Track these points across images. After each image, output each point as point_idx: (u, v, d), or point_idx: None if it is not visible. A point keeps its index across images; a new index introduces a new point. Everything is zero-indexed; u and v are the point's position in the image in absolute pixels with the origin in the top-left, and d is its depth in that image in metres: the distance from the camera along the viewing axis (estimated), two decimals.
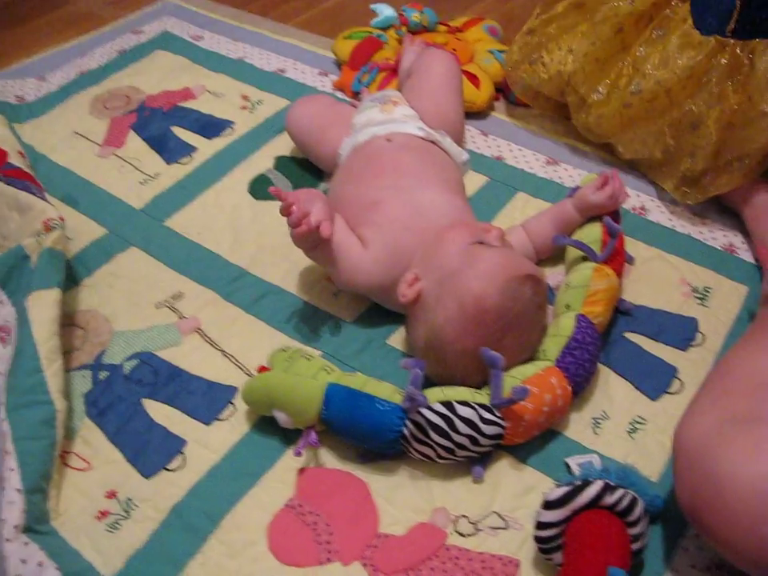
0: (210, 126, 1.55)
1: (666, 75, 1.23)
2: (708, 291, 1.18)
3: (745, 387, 0.83)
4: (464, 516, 0.92)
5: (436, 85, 1.37)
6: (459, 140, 1.37)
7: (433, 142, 1.26)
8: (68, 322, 1.15)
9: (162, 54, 1.80)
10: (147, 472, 0.97)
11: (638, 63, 1.27)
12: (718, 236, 1.27)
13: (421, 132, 1.25)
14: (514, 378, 0.95)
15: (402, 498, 0.94)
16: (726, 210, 1.31)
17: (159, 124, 1.57)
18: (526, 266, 0.99)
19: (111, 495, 0.95)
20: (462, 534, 0.90)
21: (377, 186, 1.14)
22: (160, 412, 1.04)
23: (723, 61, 1.18)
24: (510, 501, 0.93)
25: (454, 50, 1.61)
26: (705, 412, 0.82)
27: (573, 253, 1.13)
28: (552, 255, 1.21)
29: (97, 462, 0.99)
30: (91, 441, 1.01)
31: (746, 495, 0.70)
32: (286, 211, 1.02)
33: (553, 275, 1.19)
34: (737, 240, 1.26)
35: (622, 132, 1.33)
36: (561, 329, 1.01)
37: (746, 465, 0.71)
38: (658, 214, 1.32)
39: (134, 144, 1.53)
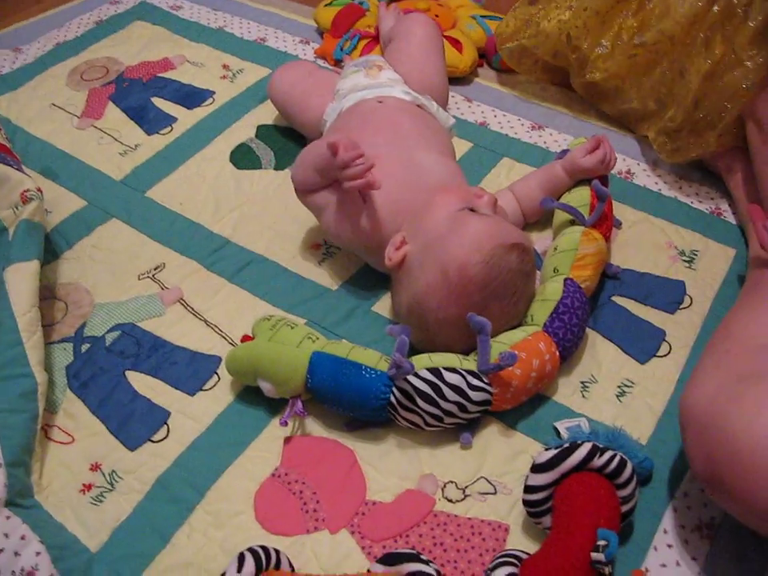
0: (191, 96, 1.53)
1: (668, 24, 1.21)
2: (695, 254, 1.17)
3: (746, 349, 0.82)
4: (452, 482, 0.91)
5: (417, 48, 1.35)
6: (444, 104, 1.35)
7: (419, 106, 1.24)
8: (48, 295, 1.14)
9: (141, 24, 1.78)
10: (131, 444, 0.96)
11: (639, 14, 1.26)
12: (704, 199, 1.27)
13: (407, 96, 1.23)
14: (502, 343, 0.94)
15: (389, 465, 0.93)
16: (711, 174, 1.30)
17: (139, 95, 1.54)
18: (513, 234, 0.98)
19: (95, 468, 0.94)
20: (450, 500, 0.90)
21: (374, 143, 1.10)
22: (143, 383, 1.03)
23: (716, 8, 1.16)
24: (498, 466, 0.93)
25: (437, 15, 1.59)
26: (709, 375, 0.82)
27: (561, 216, 1.12)
28: (540, 219, 1.21)
29: (80, 434, 0.98)
30: (74, 413, 1.00)
31: (762, 445, 0.69)
32: (351, 162, 0.99)
33: (540, 240, 1.19)
34: (723, 203, 1.26)
35: (625, 84, 1.32)
36: (549, 293, 1.00)
37: (758, 416, 0.71)
38: (644, 177, 1.31)
39: (114, 115, 1.50)
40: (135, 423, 0.98)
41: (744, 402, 0.73)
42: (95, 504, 0.90)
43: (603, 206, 1.07)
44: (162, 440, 0.96)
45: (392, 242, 1.01)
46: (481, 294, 0.93)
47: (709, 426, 0.75)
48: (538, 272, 1.05)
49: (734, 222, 1.23)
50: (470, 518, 0.88)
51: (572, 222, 1.08)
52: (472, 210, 1.00)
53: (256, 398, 0.99)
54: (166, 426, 0.98)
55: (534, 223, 1.21)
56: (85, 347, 1.07)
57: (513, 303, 0.96)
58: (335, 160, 1.00)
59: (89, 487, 0.92)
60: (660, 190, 1.29)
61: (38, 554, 0.81)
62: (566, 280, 1.00)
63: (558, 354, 0.96)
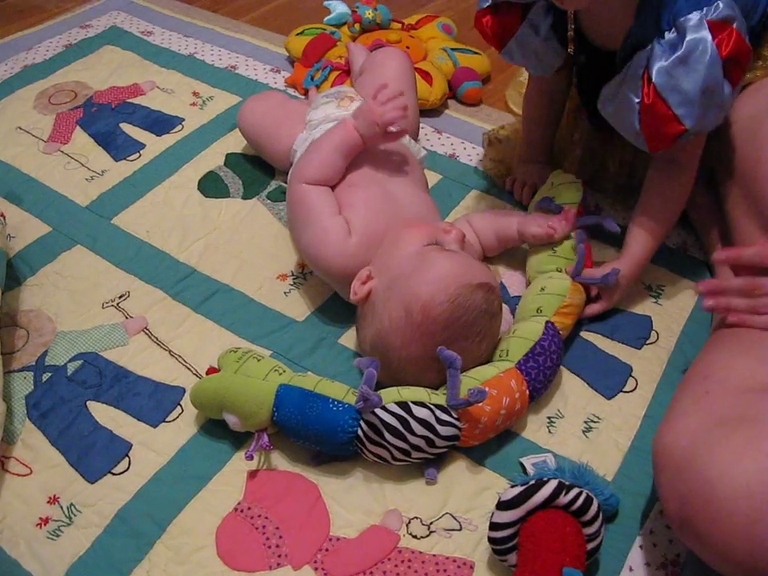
0: (160, 123, 1.53)
1: None
2: (661, 289, 1.18)
3: (727, 389, 0.81)
4: (417, 518, 0.90)
5: (390, 80, 1.35)
6: (415, 136, 1.36)
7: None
8: (9, 322, 1.12)
9: (111, 48, 1.77)
10: (91, 476, 0.94)
11: None
12: (670, 234, 1.27)
13: None
14: (473, 379, 0.94)
15: (353, 500, 0.92)
16: None
17: (107, 120, 1.53)
18: (479, 274, 0.97)
19: (53, 501, 0.92)
20: (415, 536, 0.89)
21: (354, 171, 1.12)
22: (105, 414, 1.01)
23: None
24: (463, 501, 0.92)
25: (408, 47, 1.60)
26: (687, 416, 0.80)
27: (540, 255, 1.12)
28: (506, 253, 1.21)
29: (38, 466, 0.96)
30: (32, 444, 0.98)
31: (740, 494, 0.68)
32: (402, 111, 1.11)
33: (509, 275, 1.19)
34: (689, 238, 1.27)
35: None
36: (528, 332, 0.99)
37: (737, 464, 0.70)
38: (611, 212, 1.32)
39: (81, 140, 1.49)
40: (96, 455, 0.96)
41: (723, 447, 0.72)
42: (52, 539, 0.88)
43: (584, 258, 1.09)
44: (123, 472, 0.95)
45: (358, 276, 1.00)
46: (444, 333, 0.92)
47: (685, 468, 0.74)
48: (505, 306, 1.05)
49: (700, 258, 1.23)
50: (434, 555, 0.87)
51: (552, 254, 1.10)
52: (439, 244, 1.00)
53: (220, 431, 0.97)
54: (127, 458, 0.96)
55: (500, 258, 1.21)
56: (46, 376, 1.05)
57: (477, 343, 0.96)
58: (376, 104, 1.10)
59: (46, 521, 0.90)
60: (627, 225, 1.29)
61: None
62: (547, 323, 1.00)
63: (528, 393, 0.95)
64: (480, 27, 1.15)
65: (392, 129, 1.11)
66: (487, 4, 1.12)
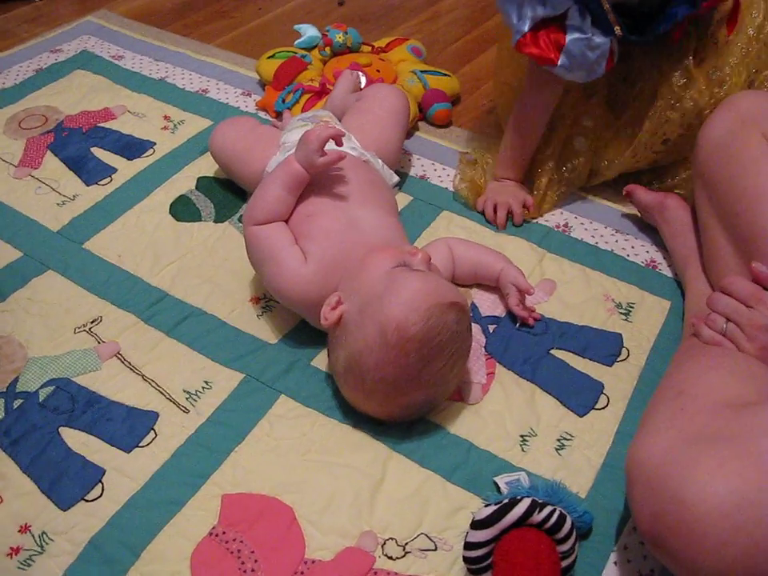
0: (131, 147, 1.53)
1: None
2: (632, 306, 1.19)
3: (701, 406, 0.81)
4: (392, 538, 0.90)
5: (387, 113, 1.37)
6: (392, 166, 1.36)
7: (365, 161, 1.26)
8: None
9: (82, 73, 1.76)
10: (64, 503, 0.93)
11: None
12: (639, 252, 1.29)
13: (354, 152, 1.24)
14: None
15: (328, 523, 0.92)
16: (647, 227, 1.33)
17: (78, 145, 1.53)
18: (450, 293, 0.98)
19: (24, 530, 0.91)
20: (390, 557, 0.89)
21: (312, 199, 1.12)
22: (77, 440, 1.01)
23: None
24: (438, 521, 0.92)
25: (378, 70, 1.62)
26: (661, 432, 0.80)
27: None
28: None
29: (9, 494, 0.95)
30: (3, 472, 0.97)
31: (712, 516, 0.68)
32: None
33: (480, 294, 1.20)
34: (658, 255, 1.29)
35: None
36: None
37: (710, 485, 0.70)
38: (582, 231, 1.33)
39: (52, 165, 1.49)
40: (68, 482, 0.96)
41: (696, 467, 0.72)
42: (23, 569, 0.87)
43: None
44: (96, 499, 0.94)
45: (327, 302, 1.01)
46: (418, 353, 0.93)
47: (658, 486, 0.74)
48: (476, 326, 1.05)
49: (669, 275, 1.25)
50: None
51: None
52: (407, 266, 1.01)
53: (194, 455, 0.98)
54: (100, 484, 0.96)
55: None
56: (17, 403, 1.05)
57: (449, 366, 0.96)
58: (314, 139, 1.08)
59: (17, 551, 0.89)
60: (597, 243, 1.31)
61: None
62: None
63: None
64: (528, 51, 1.16)
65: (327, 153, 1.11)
66: (526, 27, 1.14)
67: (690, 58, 1.23)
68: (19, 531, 0.91)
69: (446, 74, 1.68)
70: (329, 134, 1.09)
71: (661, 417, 0.84)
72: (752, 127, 1.06)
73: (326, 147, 1.10)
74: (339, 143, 1.13)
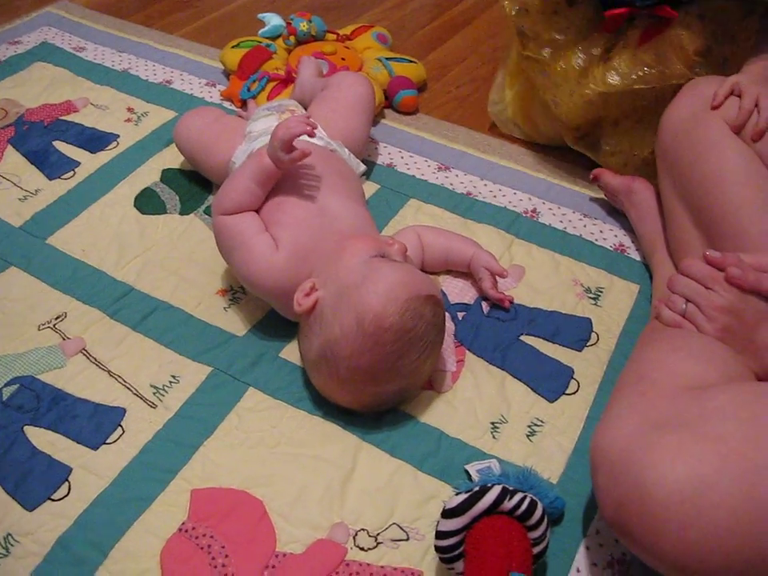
0: (94, 140, 1.50)
1: None
2: (600, 291, 1.19)
3: (662, 391, 0.82)
4: (363, 529, 0.90)
5: (352, 101, 1.36)
6: (359, 155, 1.35)
7: (332, 151, 1.25)
8: None
9: (42, 65, 1.73)
10: (29, 504, 0.92)
11: None
12: (608, 236, 1.30)
13: (320, 141, 1.23)
14: None
15: (299, 515, 0.91)
16: (615, 211, 1.34)
17: (40, 138, 1.51)
18: (427, 286, 0.98)
19: None
20: (362, 549, 0.88)
21: (282, 188, 1.11)
22: (43, 439, 0.99)
23: None
24: (409, 511, 0.92)
25: (343, 58, 1.61)
26: (623, 417, 0.80)
27: None
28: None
29: None
30: None
31: (672, 500, 0.69)
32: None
33: (448, 281, 1.20)
34: (626, 240, 1.29)
35: None
36: None
37: (670, 469, 0.70)
38: (550, 216, 1.34)
39: (13, 159, 1.46)
40: (34, 481, 0.94)
41: (656, 451, 0.72)
42: None
43: None
44: (62, 498, 0.93)
45: (301, 288, 1.00)
46: (395, 344, 0.93)
47: (620, 472, 0.74)
48: (446, 314, 1.05)
49: (638, 258, 1.26)
50: (382, 567, 0.87)
51: None
52: (384, 256, 1.00)
53: (162, 450, 0.97)
54: (67, 482, 0.94)
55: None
56: None
57: (423, 358, 0.96)
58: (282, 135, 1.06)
59: None
60: (565, 228, 1.31)
61: None
62: None
63: None
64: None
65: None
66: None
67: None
68: None
69: (412, 61, 1.67)
70: (297, 131, 1.07)
71: (623, 403, 0.84)
72: (714, 112, 1.06)
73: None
74: (312, 135, 1.11)
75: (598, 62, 1.27)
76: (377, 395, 0.97)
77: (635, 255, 1.26)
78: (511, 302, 1.16)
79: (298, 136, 1.07)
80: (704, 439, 0.72)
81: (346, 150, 1.28)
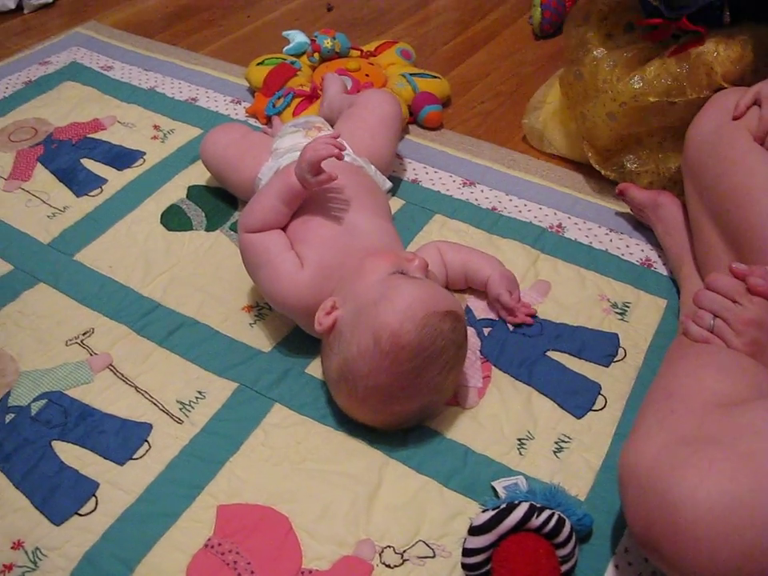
0: (121, 157, 1.52)
1: None
2: (627, 306, 1.19)
3: (692, 407, 0.80)
4: (390, 546, 0.89)
5: (379, 122, 1.36)
6: (385, 172, 1.35)
7: (359, 168, 1.25)
8: None
9: (71, 84, 1.76)
10: (57, 518, 0.92)
11: None
12: (634, 251, 1.29)
13: (347, 158, 1.23)
14: None
15: (325, 532, 0.91)
16: (641, 225, 1.33)
17: (68, 156, 1.53)
18: (446, 301, 0.97)
19: (17, 546, 0.90)
20: (388, 566, 0.88)
21: (308, 206, 1.11)
22: (71, 454, 1.00)
23: None
24: (436, 528, 0.91)
25: (367, 75, 1.61)
26: (652, 435, 0.79)
27: None
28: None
29: (1, 510, 0.93)
30: None
31: (704, 518, 0.67)
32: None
33: (474, 297, 1.20)
34: (653, 254, 1.28)
35: None
36: None
37: (701, 487, 0.69)
38: (576, 231, 1.33)
39: (42, 177, 1.48)
40: (61, 496, 0.95)
41: (687, 468, 0.71)
42: None
43: None
44: (89, 513, 0.93)
45: (322, 307, 1.00)
46: (412, 362, 0.92)
47: (650, 489, 0.73)
48: (471, 329, 1.05)
49: (665, 273, 1.25)
50: None
51: None
52: (403, 273, 1.00)
53: (188, 466, 0.97)
54: (94, 497, 0.95)
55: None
56: (9, 417, 1.04)
57: (444, 374, 0.95)
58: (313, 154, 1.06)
59: (9, 568, 0.88)
60: (591, 243, 1.30)
61: None
62: None
63: None
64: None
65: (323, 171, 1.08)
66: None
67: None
68: (12, 548, 0.90)
69: (435, 77, 1.67)
70: (324, 154, 1.06)
71: (651, 419, 0.83)
72: (739, 124, 1.06)
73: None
74: (340, 158, 1.10)
75: (632, 71, 1.27)
76: (397, 414, 0.97)
77: (662, 270, 1.25)
78: (532, 316, 1.16)
79: (326, 159, 1.07)
80: (735, 456, 0.71)
81: (372, 166, 1.28)
